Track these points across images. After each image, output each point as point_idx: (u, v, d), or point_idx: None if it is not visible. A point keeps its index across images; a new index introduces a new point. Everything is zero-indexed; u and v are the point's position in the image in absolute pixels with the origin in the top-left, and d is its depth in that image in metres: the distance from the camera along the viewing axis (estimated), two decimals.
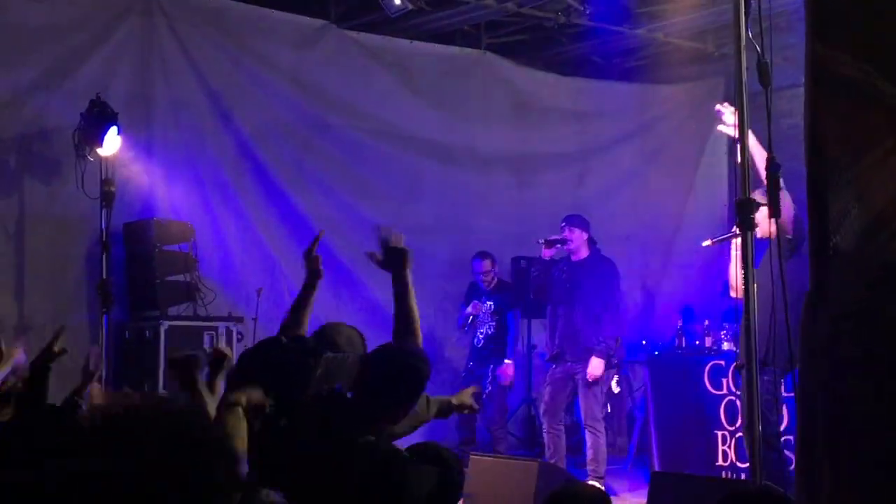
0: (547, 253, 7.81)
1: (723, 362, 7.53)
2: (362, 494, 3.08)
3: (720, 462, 7.41)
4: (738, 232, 5.79)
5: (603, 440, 7.49)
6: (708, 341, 8.09)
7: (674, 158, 10.89)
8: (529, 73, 10.55)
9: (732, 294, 6.11)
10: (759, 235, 5.84)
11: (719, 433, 7.44)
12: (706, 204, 10.92)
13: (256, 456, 2.98)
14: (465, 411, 4.24)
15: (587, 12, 9.30)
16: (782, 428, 6.73)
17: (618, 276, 7.68)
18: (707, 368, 7.63)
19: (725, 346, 7.80)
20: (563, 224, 7.74)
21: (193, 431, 1.83)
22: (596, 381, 7.42)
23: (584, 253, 7.70)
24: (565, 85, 10.75)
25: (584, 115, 10.75)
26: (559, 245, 7.76)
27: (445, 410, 4.13)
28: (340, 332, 4.12)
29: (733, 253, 5.97)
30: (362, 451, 3.21)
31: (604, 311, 7.50)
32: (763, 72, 3.91)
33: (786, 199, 5.59)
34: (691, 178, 11.15)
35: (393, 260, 4.10)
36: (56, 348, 4.26)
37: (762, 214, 5.77)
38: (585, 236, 7.69)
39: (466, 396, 4.27)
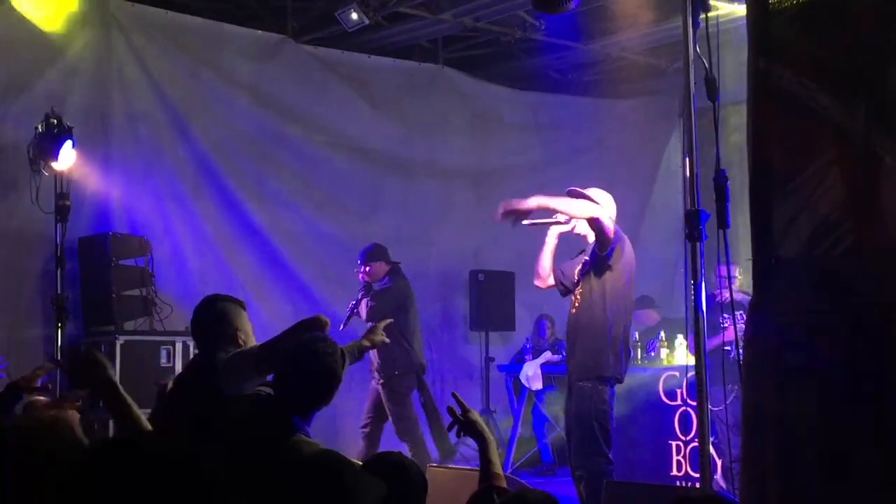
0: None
1: (677, 374, 7.61)
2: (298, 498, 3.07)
3: (674, 472, 7.48)
4: (557, 219, 5.91)
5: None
6: (663, 353, 8.17)
7: (630, 172, 10.99)
8: (487, 87, 10.64)
9: (537, 283, 6.20)
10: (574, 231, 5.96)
11: (673, 443, 7.52)
12: (662, 216, 11.05)
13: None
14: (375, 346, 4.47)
15: (542, 28, 9.40)
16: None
17: (398, 300, 7.81)
18: (662, 379, 7.72)
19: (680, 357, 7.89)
20: (359, 262, 7.91)
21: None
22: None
23: (382, 279, 7.89)
24: (522, 99, 10.85)
25: (542, 129, 10.85)
26: (356, 311, 7.86)
27: (359, 353, 4.30)
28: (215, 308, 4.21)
29: (548, 242, 6.06)
30: (299, 454, 3.23)
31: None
32: (710, 87, 3.98)
33: (604, 217, 5.68)
34: (648, 191, 11.29)
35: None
36: (35, 384, 4.14)
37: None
38: (380, 263, 7.86)
39: (377, 333, 4.44)
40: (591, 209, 5.66)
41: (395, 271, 7.94)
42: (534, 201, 5.59)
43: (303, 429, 3.54)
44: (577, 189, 5.92)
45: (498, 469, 3.56)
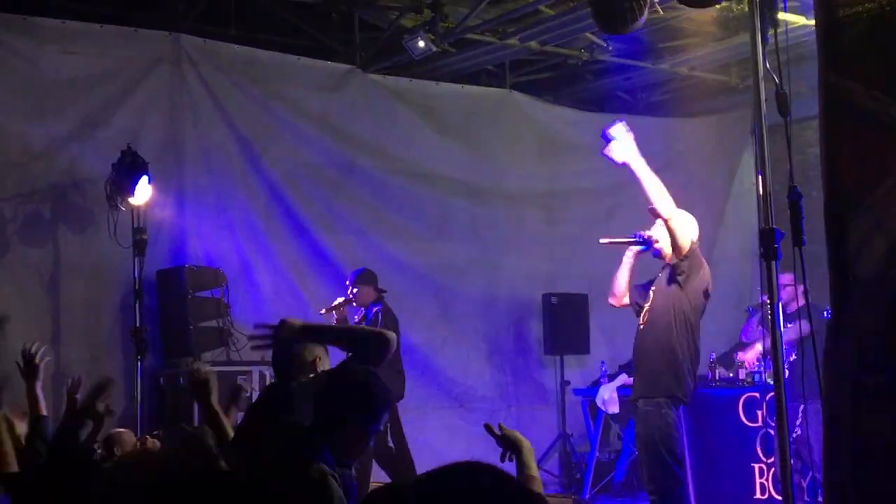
0: (338, 313, 7.83)
1: (757, 394, 7.46)
2: None
3: (758, 495, 7.32)
4: (636, 238, 5.82)
5: None
6: (742, 373, 8.01)
7: (703, 190, 10.85)
8: (555, 110, 10.62)
9: (612, 301, 6.10)
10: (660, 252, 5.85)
11: (756, 466, 7.37)
12: (737, 234, 10.88)
13: None
14: None
15: (610, 49, 9.36)
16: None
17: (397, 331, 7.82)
18: (742, 401, 7.57)
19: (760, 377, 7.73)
20: (349, 283, 7.93)
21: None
22: None
23: (371, 305, 7.89)
24: (591, 121, 10.76)
25: None
26: (341, 307, 7.85)
27: None
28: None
29: (625, 261, 5.98)
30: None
31: None
32: (781, 102, 3.92)
33: (682, 226, 5.57)
34: (721, 209, 11.13)
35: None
36: (101, 407, 4.08)
37: (658, 232, 5.78)
38: (370, 289, 7.89)
39: None
40: (672, 207, 5.54)
41: (383, 300, 8.00)
42: (632, 155, 5.52)
43: (326, 457, 3.36)
44: (656, 209, 5.83)
45: (533, 472, 3.27)
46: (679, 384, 5.58)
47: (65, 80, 8.03)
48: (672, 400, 5.57)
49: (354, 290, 7.84)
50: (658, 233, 5.82)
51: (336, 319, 7.78)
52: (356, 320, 7.87)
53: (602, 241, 5.97)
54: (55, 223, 7.98)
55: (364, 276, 7.96)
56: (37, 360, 4.44)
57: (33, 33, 7.96)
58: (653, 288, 5.83)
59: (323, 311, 7.75)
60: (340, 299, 7.79)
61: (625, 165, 5.57)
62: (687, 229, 5.60)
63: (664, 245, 5.76)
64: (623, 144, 5.48)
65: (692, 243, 5.60)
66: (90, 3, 8.41)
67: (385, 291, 8.05)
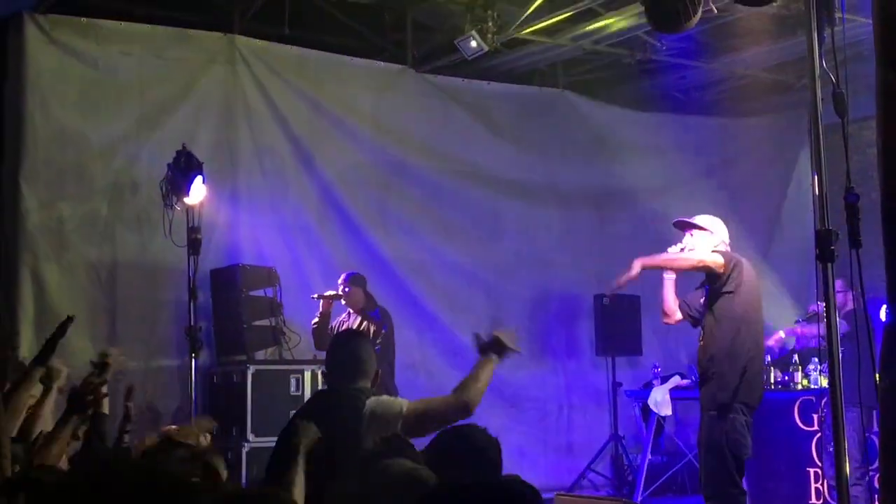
0: (324, 305, 8.01)
1: (813, 398, 7.37)
2: None
3: (812, 500, 7.23)
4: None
5: None
6: (797, 377, 7.91)
7: (759, 190, 10.76)
8: (608, 110, 10.54)
9: (665, 321, 6.09)
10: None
11: (811, 470, 7.27)
12: (794, 234, 10.73)
13: None
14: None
15: (663, 48, 9.28)
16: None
17: (385, 327, 7.99)
18: (797, 404, 7.48)
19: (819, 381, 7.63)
20: (342, 282, 8.04)
21: None
22: None
23: (359, 306, 8.02)
24: (645, 120, 10.71)
25: (665, 151, 10.68)
26: (330, 299, 8.02)
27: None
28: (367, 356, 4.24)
29: (666, 278, 5.96)
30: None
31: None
32: (838, 102, 3.85)
33: (711, 256, 5.59)
34: (778, 211, 11.01)
35: (493, 349, 4.40)
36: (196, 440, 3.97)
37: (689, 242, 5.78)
38: (360, 291, 8.02)
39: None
40: (693, 258, 5.69)
41: (375, 301, 8.13)
42: (637, 267, 5.67)
43: None
44: (684, 219, 5.88)
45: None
46: (748, 391, 5.56)
47: (122, 82, 8.15)
48: (740, 407, 5.55)
49: (346, 290, 8.01)
50: (689, 242, 5.85)
51: (321, 312, 7.96)
52: (351, 322, 7.99)
53: (636, 270, 5.97)
54: (112, 222, 8.09)
55: (356, 279, 8.12)
56: (108, 360, 4.45)
57: (91, 35, 8.08)
58: (703, 301, 5.82)
59: (315, 295, 7.98)
60: (332, 292, 8.00)
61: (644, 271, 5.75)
62: (714, 244, 5.69)
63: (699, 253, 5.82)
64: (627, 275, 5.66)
65: (725, 254, 5.66)
66: (147, 5, 8.52)
67: (372, 295, 8.19)
